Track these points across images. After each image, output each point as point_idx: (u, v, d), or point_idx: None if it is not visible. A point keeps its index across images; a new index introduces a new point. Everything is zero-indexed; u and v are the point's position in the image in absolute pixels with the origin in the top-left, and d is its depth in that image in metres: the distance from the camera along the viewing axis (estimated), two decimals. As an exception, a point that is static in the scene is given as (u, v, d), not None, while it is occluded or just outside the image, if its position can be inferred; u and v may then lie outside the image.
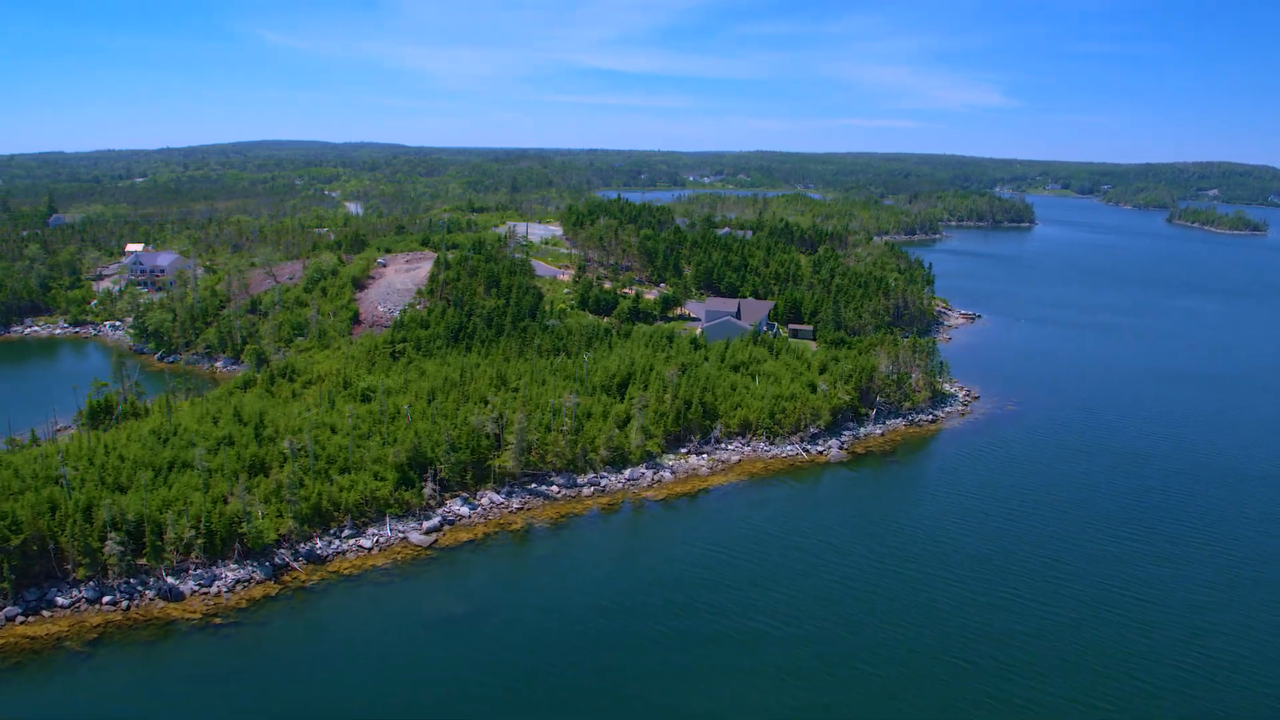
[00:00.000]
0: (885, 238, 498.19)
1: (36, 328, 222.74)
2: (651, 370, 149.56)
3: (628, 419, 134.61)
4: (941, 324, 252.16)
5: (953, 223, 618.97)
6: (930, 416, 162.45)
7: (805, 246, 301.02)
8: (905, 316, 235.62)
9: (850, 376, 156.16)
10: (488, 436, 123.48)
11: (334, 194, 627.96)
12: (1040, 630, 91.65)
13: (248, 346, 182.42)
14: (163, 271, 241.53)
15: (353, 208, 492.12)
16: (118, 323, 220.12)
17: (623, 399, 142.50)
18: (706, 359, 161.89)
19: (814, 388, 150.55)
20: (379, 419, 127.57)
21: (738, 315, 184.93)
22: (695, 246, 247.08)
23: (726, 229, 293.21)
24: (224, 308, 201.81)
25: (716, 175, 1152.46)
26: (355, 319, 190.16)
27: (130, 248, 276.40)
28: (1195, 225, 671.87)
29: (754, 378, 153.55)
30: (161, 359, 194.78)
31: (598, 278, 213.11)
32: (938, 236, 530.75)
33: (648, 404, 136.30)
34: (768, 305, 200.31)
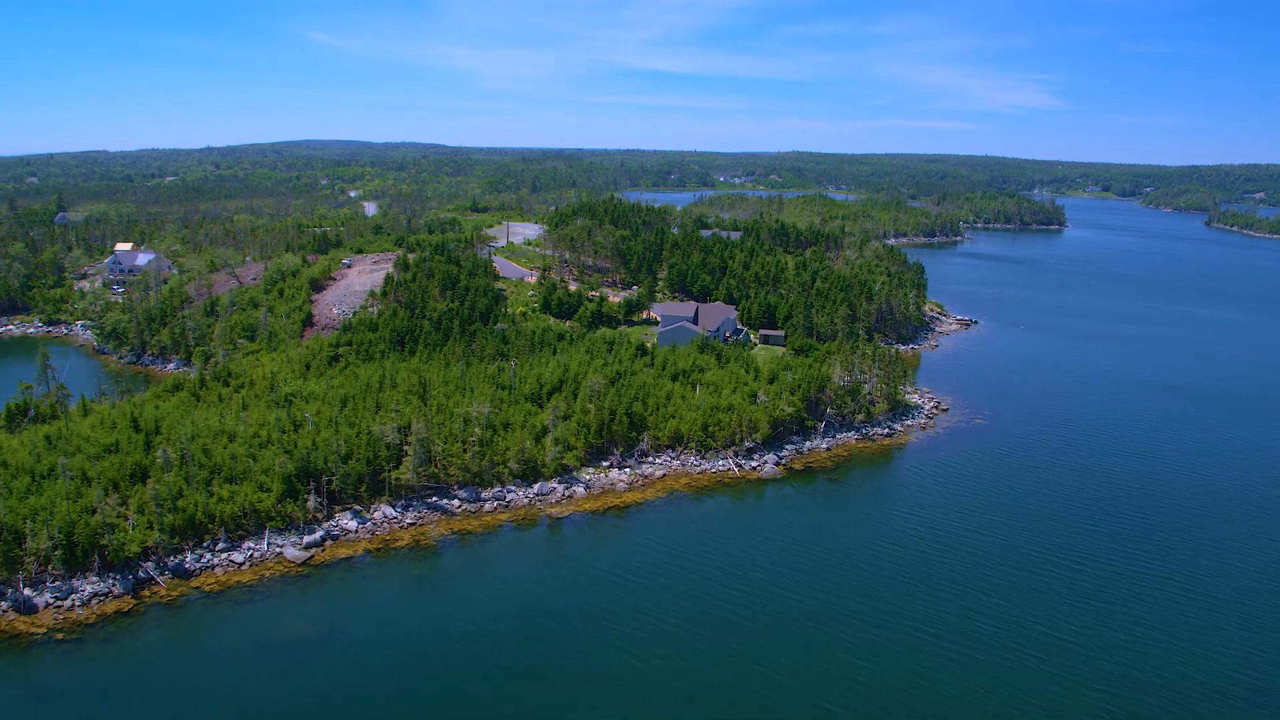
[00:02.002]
0: (902, 240, 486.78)
1: (11, 326, 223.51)
2: (585, 378, 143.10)
3: (545, 430, 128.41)
4: (932, 330, 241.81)
5: (979, 225, 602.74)
6: (886, 430, 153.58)
7: (801, 248, 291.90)
8: (889, 322, 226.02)
9: (798, 387, 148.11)
10: (388, 447, 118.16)
11: (355, 193, 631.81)
12: (935, 685, 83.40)
13: (197, 349, 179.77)
14: (140, 271, 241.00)
15: (369, 207, 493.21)
16: (89, 322, 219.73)
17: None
18: (650, 365, 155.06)
19: (755, 398, 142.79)
20: (283, 427, 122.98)
21: (694, 320, 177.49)
22: (675, 248, 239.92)
23: (712, 230, 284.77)
24: (183, 308, 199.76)
25: (748, 176, 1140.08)
26: (308, 321, 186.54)
27: (119, 247, 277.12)
28: (1234, 229, 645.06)
29: (694, 387, 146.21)
30: (120, 360, 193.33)
31: (562, 280, 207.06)
32: (959, 239, 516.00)
33: (562, 414, 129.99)
34: (728, 309, 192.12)
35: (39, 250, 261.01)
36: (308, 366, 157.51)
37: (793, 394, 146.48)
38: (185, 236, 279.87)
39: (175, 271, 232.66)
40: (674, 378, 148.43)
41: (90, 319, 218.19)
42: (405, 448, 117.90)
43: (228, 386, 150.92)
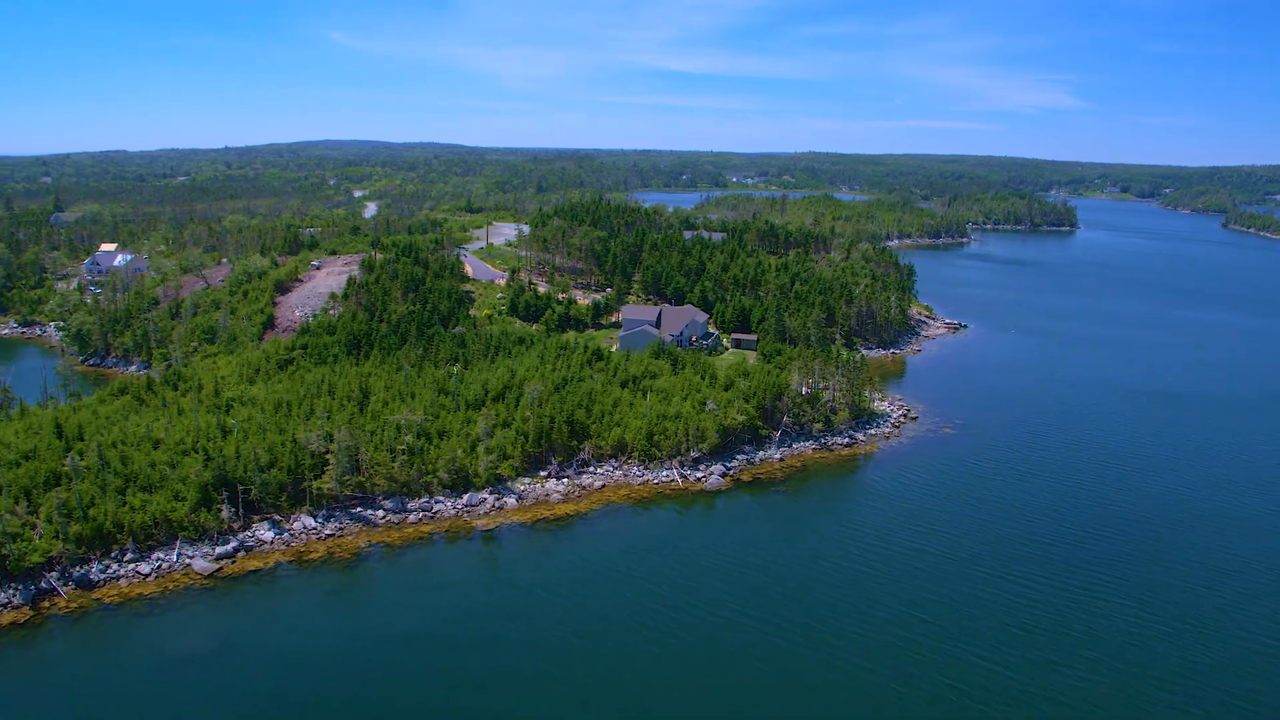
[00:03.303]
0: (906, 241, 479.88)
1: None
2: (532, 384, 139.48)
3: (479, 439, 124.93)
4: (917, 334, 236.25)
5: (988, 226, 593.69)
6: (847, 440, 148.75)
7: (790, 250, 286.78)
8: (870, 326, 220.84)
9: (753, 394, 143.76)
10: (313, 455, 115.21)
11: (360, 193, 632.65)
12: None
13: (156, 351, 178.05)
14: (121, 271, 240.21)
15: (372, 207, 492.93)
16: (62, 323, 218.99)
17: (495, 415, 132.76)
18: (604, 370, 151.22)
19: (705, 406, 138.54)
20: (211, 434, 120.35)
21: (657, 324, 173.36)
22: (654, 250, 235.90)
23: (695, 232, 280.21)
24: (149, 310, 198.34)
25: (761, 176, 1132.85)
26: (270, 324, 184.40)
27: (104, 248, 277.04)
28: (1252, 230, 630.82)
29: (644, 394, 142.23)
30: (84, 361, 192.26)
31: (530, 283, 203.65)
32: (965, 240, 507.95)
33: (502, 421, 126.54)
34: (694, 312, 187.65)
35: (23, 250, 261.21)
36: (256, 370, 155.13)
37: (746, 401, 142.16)
38: (169, 237, 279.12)
39: (152, 273, 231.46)
40: (624, 384, 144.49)
41: (60, 321, 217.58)
42: (329, 456, 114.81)
43: (176, 390, 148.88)
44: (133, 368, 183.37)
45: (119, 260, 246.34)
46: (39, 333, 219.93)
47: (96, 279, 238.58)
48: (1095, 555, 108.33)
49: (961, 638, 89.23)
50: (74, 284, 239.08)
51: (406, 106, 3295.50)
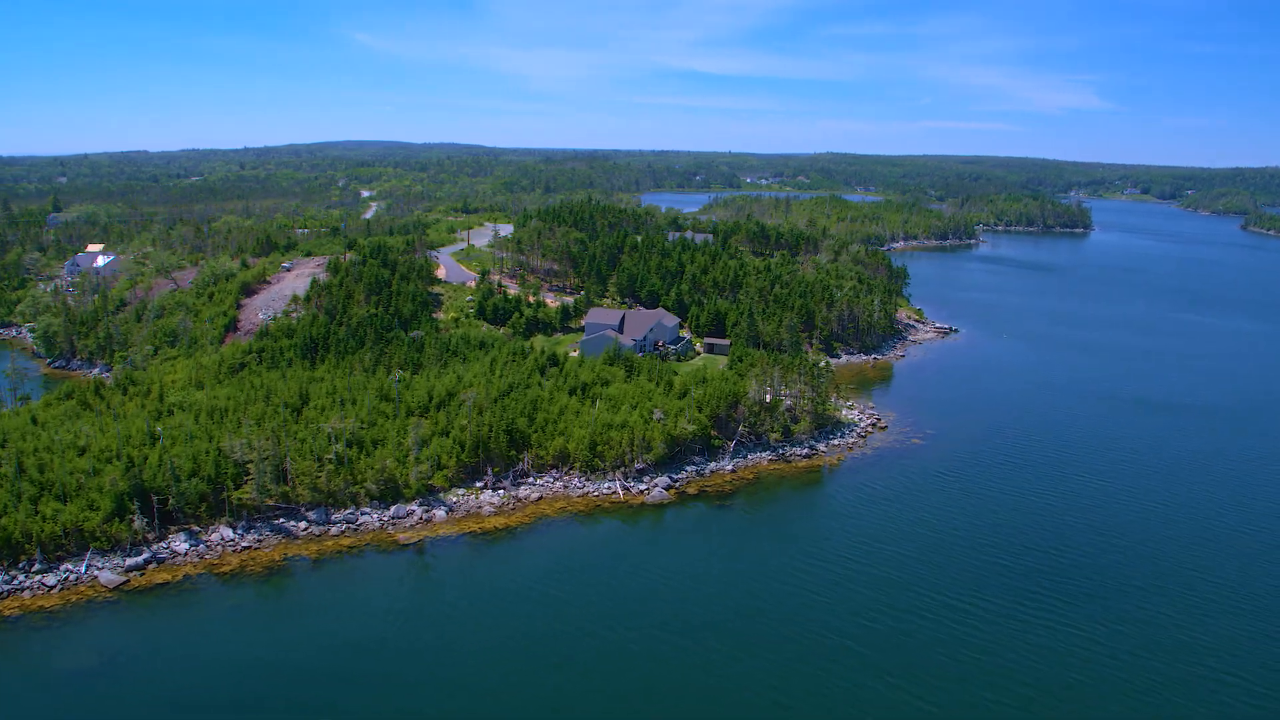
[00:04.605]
0: (911, 243, 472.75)
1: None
2: (479, 391, 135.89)
3: (421, 445, 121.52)
4: (904, 338, 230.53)
5: (999, 228, 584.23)
6: (806, 451, 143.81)
7: (782, 251, 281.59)
8: (851, 330, 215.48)
9: (707, 402, 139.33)
10: (237, 464, 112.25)
11: (368, 193, 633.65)
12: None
13: (117, 354, 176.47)
14: (98, 273, 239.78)
15: (376, 208, 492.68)
16: (33, 325, 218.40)
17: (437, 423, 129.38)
18: (558, 377, 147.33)
19: (653, 415, 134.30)
20: (139, 440, 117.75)
21: (619, 329, 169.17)
22: (634, 251, 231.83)
23: (679, 233, 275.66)
24: (118, 312, 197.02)
25: (776, 177, 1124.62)
26: (232, 326, 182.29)
27: (91, 248, 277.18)
28: (1272, 233, 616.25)
29: (593, 401, 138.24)
30: (51, 364, 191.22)
31: (500, 285, 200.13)
32: (973, 242, 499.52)
33: (441, 429, 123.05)
34: (660, 316, 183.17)
35: (6, 251, 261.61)
36: (214, 375, 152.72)
37: (700, 410, 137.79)
38: (156, 239, 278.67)
39: (127, 275, 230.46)
40: (573, 391, 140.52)
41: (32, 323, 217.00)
42: (249, 465, 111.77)
43: (125, 395, 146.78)
44: (95, 370, 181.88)
45: (100, 262, 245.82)
46: (15, 334, 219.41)
47: (74, 280, 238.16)
48: (1052, 584, 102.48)
49: (896, 672, 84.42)
50: (51, 286, 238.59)
51: (430, 107, 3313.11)
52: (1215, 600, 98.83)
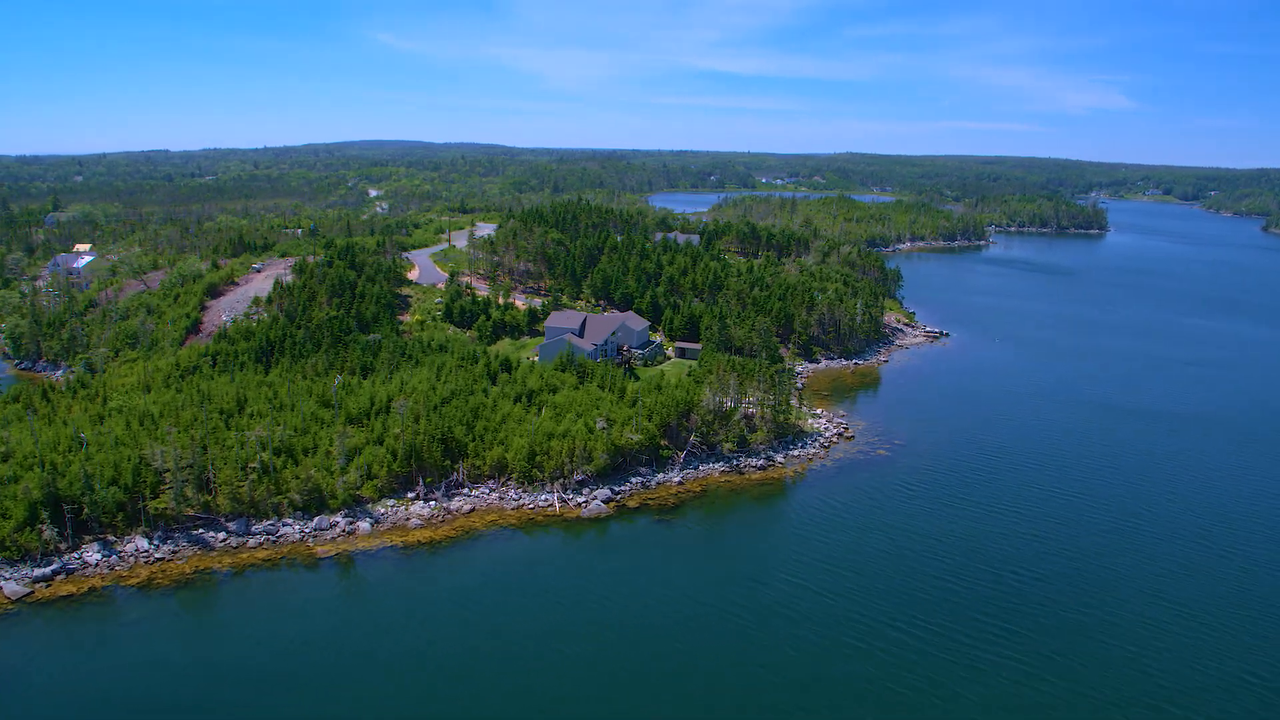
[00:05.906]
0: (919, 244, 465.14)
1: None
2: (421, 397, 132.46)
3: (353, 454, 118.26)
4: (889, 343, 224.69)
5: (1011, 229, 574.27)
6: (762, 462, 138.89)
7: (772, 253, 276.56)
8: (833, 334, 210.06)
9: (657, 410, 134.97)
10: (157, 472, 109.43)
11: (375, 193, 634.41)
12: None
13: (79, 356, 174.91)
14: (77, 274, 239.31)
15: (381, 208, 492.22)
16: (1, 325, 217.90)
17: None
18: (509, 383, 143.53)
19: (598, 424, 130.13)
20: (66, 445, 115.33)
21: (580, 333, 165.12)
22: (614, 253, 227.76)
23: (664, 234, 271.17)
24: (86, 313, 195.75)
25: (792, 178, 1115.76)
26: (194, 328, 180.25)
27: (78, 248, 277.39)
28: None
29: (539, 409, 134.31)
30: (18, 365, 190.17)
31: (468, 287, 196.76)
32: (983, 243, 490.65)
33: (376, 437, 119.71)
34: (625, 319, 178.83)
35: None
36: (168, 378, 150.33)
37: (650, 418, 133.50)
38: (143, 238, 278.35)
39: (98, 276, 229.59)
40: (518, 399, 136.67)
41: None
42: (167, 474, 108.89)
43: (74, 398, 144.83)
44: (60, 372, 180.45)
45: (82, 262, 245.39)
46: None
47: (49, 281, 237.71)
48: (1002, 609, 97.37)
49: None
50: (34, 286, 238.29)
51: (451, 107, 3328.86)
52: (1185, 633, 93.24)
